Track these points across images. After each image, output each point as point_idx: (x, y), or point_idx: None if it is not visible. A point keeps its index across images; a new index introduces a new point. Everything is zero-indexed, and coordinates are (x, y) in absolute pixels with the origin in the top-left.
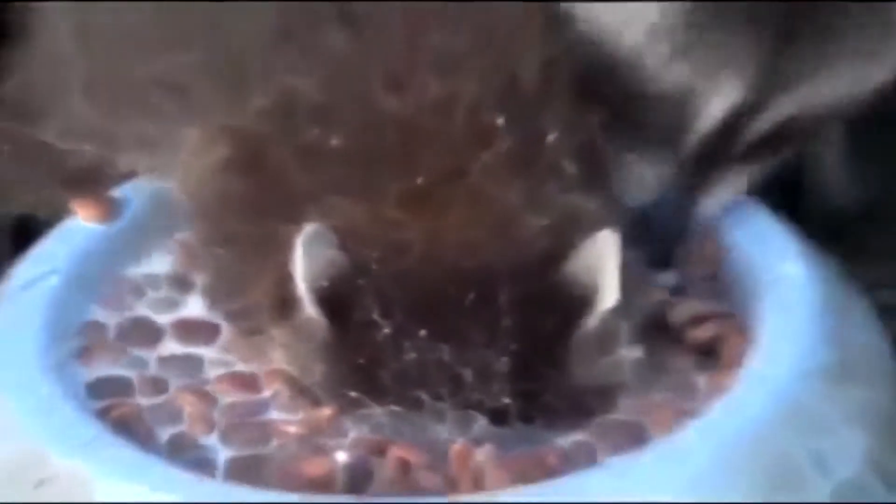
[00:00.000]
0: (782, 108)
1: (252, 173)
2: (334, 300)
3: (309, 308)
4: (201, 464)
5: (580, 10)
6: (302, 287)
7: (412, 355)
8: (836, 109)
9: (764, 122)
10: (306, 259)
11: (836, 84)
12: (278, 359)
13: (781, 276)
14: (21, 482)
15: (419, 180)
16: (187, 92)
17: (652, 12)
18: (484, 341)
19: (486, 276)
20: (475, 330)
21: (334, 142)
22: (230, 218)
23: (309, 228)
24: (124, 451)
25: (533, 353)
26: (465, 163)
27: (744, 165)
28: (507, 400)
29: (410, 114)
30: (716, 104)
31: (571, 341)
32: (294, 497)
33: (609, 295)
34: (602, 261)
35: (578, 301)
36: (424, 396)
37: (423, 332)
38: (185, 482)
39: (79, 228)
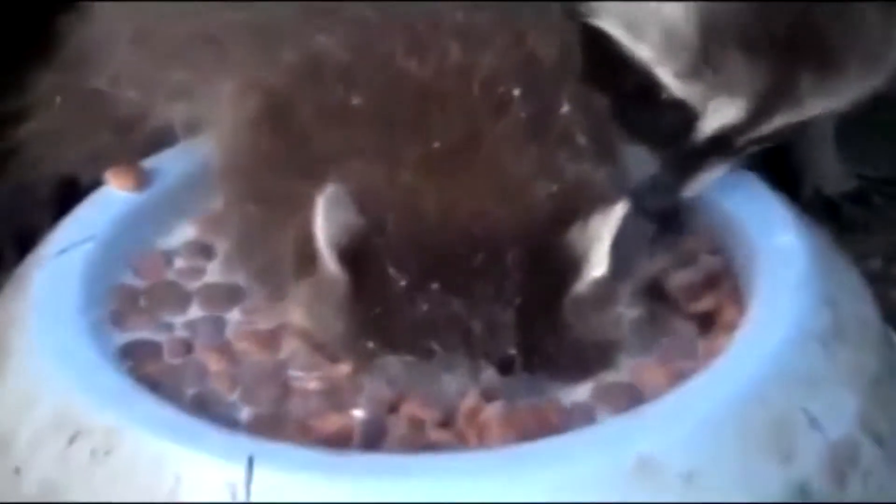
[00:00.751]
0: (778, 123)
1: (279, 130)
2: (352, 258)
3: (329, 265)
4: (225, 420)
5: (606, 6)
6: (322, 245)
7: (425, 308)
8: (832, 113)
9: (758, 133)
10: (326, 218)
11: (833, 101)
12: (299, 317)
13: (776, 245)
14: (57, 436)
15: (435, 145)
16: (224, 46)
17: (670, 26)
18: (491, 296)
19: (494, 237)
20: (483, 285)
21: (356, 101)
22: (258, 173)
23: (329, 189)
24: (153, 406)
25: (534, 309)
26: (480, 129)
27: (734, 156)
28: (512, 351)
29: (429, 77)
30: (711, 121)
31: (568, 300)
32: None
33: (598, 266)
34: (599, 232)
35: (572, 266)
36: (436, 347)
37: (435, 287)
38: (208, 434)
39: (112, 197)
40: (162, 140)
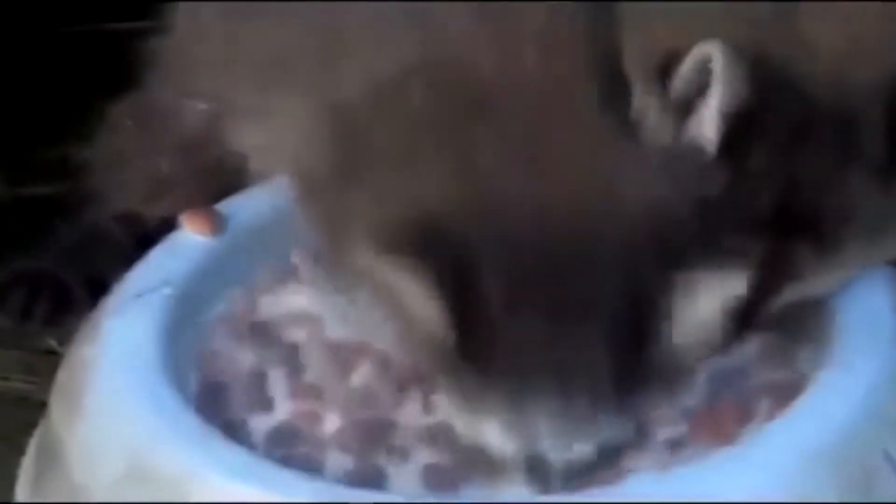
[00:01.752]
0: (788, 298)
1: (353, 148)
2: (451, 280)
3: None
4: (307, 464)
5: None
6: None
7: (524, 326)
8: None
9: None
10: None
11: (840, 275)
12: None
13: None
14: (132, 483)
15: (519, 150)
16: (293, 68)
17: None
18: (591, 311)
19: (590, 248)
20: (583, 297)
21: (436, 114)
22: (336, 191)
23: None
24: (230, 452)
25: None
26: (563, 132)
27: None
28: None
29: (510, 84)
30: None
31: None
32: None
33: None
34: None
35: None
36: (534, 369)
37: (533, 303)
38: (286, 481)
39: (188, 241)
40: (226, 169)
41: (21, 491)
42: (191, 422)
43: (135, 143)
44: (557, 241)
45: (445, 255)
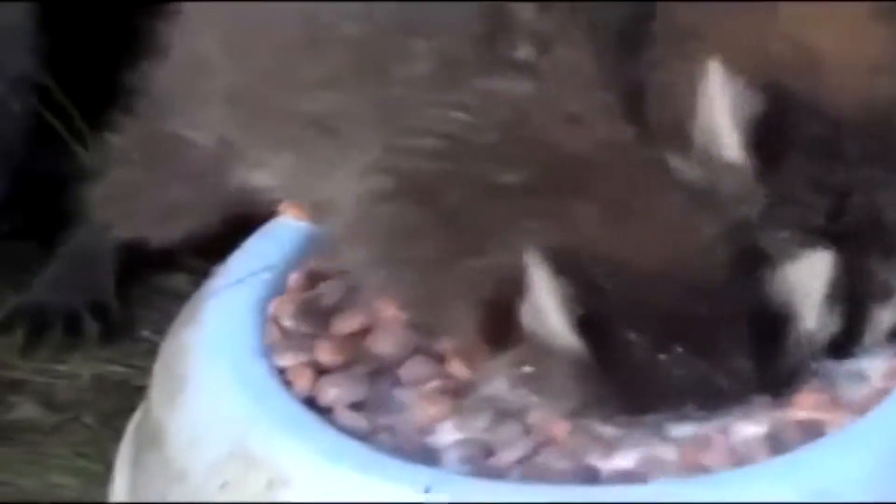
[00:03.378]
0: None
1: (421, 205)
2: (586, 327)
3: (564, 338)
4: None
5: None
6: (554, 319)
7: (667, 368)
8: None
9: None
10: (550, 291)
11: None
12: (500, 387)
13: None
14: (234, 466)
15: (607, 206)
16: (337, 129)
17: None
18: (724, 346)
19: (696, 285)
20: (712, 335)
21: (511, 177)
22: (401, 244)
23: (538, 262)
24: (329, 434)
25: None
26: (645, 187)
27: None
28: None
29: (585, 149)
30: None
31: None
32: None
33: (812, 317)
34: (808, 282)
35: (783, 319)
36: (686, 405)
37: (675, 345)
38: (385, 463)
39: (288, 227)
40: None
41: (119, 474)
42: (290, 404)
43: (142, 173)
44: (667, 281)
45: (589, 308)
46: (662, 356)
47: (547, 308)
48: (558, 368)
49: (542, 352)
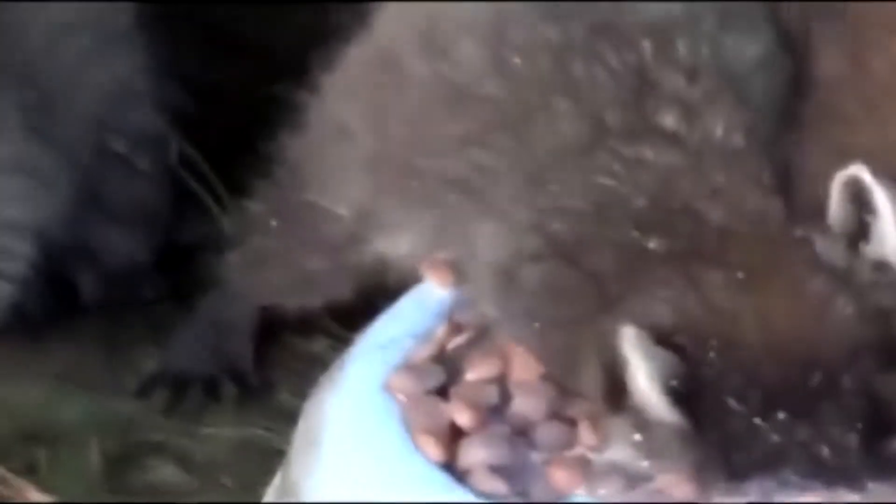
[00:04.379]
0: None
1: (568, 265)
2: (684, 397)
3: (661, 410)
4: None
5: None
6: (649, 390)
7: (771, 437)
8: None
9: None
10: (646, 361)
11: None
12: (618, 452)
13: None
14: None
15: (738, 275)
16: (480, 188)
17: None
18: (833, 418)
19: (816, 358)
20: (823, 407)
21: (653, 242)
22: (548, 302)
23: (633, 332)
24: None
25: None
26: (779, 259)
27: None
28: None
29: (727, 220)
30: None
31: None
32: None
33: None
34: None
35: None
36: (789, 475)
37: (778, 414)
38: None
39: (433, 292)
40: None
41: None
42: (425, 471)
43: (279, 241)
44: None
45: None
46: (762, 422)
47: (640, 381)
48: (662, 436)
49: (646, 420)
